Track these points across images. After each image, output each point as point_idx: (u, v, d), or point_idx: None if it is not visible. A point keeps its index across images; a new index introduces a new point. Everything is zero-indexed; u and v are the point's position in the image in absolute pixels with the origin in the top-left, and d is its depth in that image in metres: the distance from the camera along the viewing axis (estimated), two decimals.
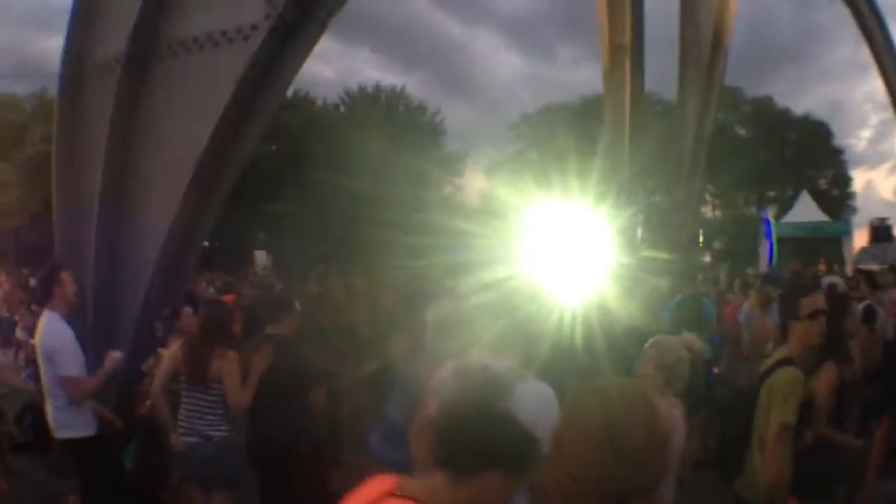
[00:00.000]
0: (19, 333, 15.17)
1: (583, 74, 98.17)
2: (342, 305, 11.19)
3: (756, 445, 5.83)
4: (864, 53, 25.84)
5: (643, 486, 2.53)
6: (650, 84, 26.37)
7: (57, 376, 7.82)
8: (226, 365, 7.48)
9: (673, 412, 5.27)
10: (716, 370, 12.52)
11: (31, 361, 12.34)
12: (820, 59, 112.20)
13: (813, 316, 5.82)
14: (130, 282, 9.90)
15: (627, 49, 19.73)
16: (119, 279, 9.85)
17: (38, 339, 8.11)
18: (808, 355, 6.06)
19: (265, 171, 47.67)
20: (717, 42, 22.78)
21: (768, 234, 34.05)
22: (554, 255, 9.61)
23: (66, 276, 8.27)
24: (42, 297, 8.35)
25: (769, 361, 6.15)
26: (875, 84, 27.37)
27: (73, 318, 8.35)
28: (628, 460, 2.48)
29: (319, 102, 62.72)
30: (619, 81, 20.08)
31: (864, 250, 39.58)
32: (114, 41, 10.07)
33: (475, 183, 71.14)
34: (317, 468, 7.83)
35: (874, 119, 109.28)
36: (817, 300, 5.90)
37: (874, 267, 26.15)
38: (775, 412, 5.53)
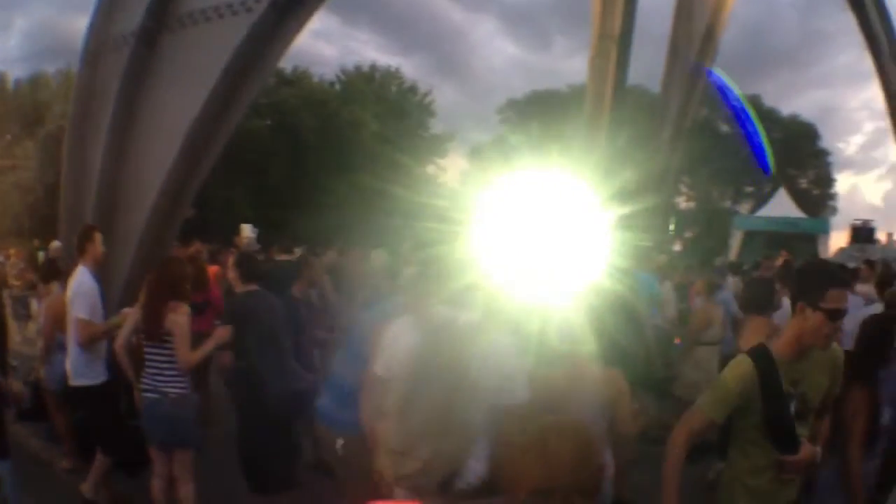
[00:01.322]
0: (34, 306, 15.33)
1: (577, 64, 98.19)
2: (314, 277, 11.53)
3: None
4: (867, 61, 26.25)
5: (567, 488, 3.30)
6: (639, 76, 26.62)
7: (74, 320, 8.25)
8: (176, 319, 7.59)
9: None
10: (678, 341, 12.34)
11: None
12: (820, 63, 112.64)
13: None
14: (124, 238, 10.35)
15: (615, 37, 19.99)
16: (114, 236, 10.26)
17: (68, 291, 8.53)
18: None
19: (259, 145, 47.93)
20: (709, 37, 22.92)
21: None
22: (527, 235, 10.00)
23: (97, 236, 8.71)
24: (77, 253, 8.69)
25: None
26: (874, 92, 27.75)
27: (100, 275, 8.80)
28: (554, 465, 3.28)
29: (316, 80, 62.79)
30: (602, 69, 20.29)
31: (842, 250, 39.93)
32: (133, 16, 10.52)
33: (457, 164, 71.42)
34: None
35: (869, 126, 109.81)
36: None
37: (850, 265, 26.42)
38: None
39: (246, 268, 8.23)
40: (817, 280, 4.71)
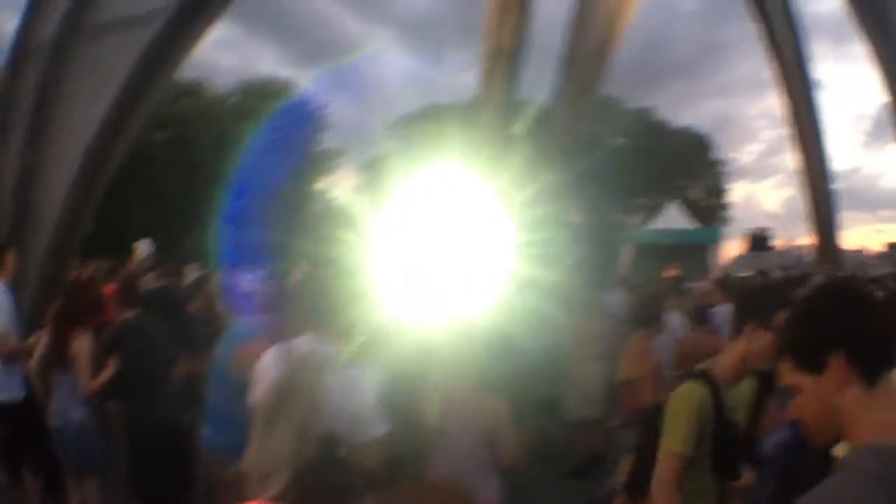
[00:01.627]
0: None
1: (471, 78, 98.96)
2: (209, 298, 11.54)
3: None
4: (766, 70, 26.83)
5: None
6: (532, 90, 26.72)
7: None
8: (79, 346, 7.66)
9: None
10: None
11: None
12: (719, 73, 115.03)
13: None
14: (31, 251, 10.39)
15: (507, 53, 20.08)
16: (23, 249, 10.28)
17: None
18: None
19: (157, 158, 47.57)
20: (602, 51, 23.07)
21: None
22: (416, 255, 10.14)
23: (10, 252, 9.04)
24: None
25: None
26: (774, 100, 28.40)
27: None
28: None
29: (215, 91, 62.18)
30: (494, 85, 20.42)
31: (738, 258, 40.56)
32: (52, 23, 10.66)
33: (348, 181, 71.29)
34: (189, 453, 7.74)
35: (768, 134, 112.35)
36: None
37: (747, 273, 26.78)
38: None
39: (124, 294, 8.36)
40: (767, 300, 4.72)
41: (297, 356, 4.91)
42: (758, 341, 4.49)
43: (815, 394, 2.29)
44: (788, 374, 2.39)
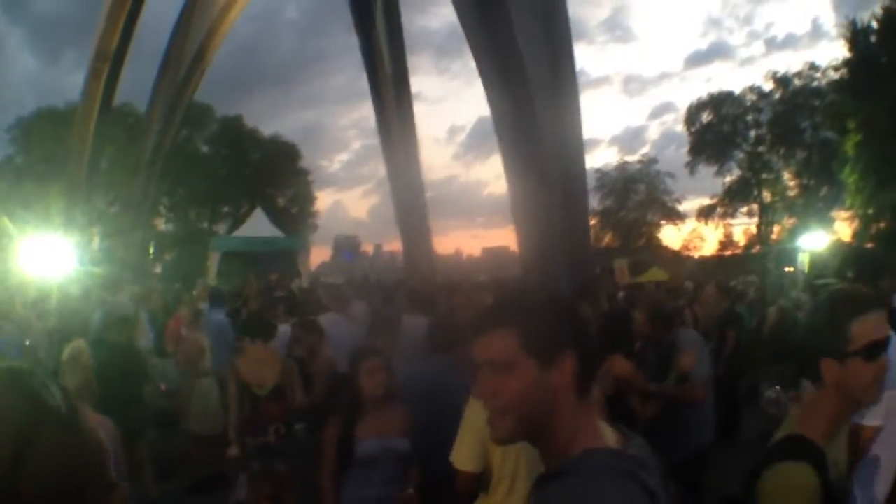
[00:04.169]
0: None
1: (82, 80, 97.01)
2: None
3: None
4: (363, 81, 27.39)
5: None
6: (133, 96, 26.24)
7: None
8: None
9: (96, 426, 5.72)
10: (164, 386, 11.23)
11: None
12: (313, 82, 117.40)
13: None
14: None
15: (110, 56, 19.66)
16: None
17: None
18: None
19: None
20: (199, 58, 22.94)
21: None
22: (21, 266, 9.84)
23: None
24: None
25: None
26: (366, 111, 29.18)
27: None
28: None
29: None
30: (93, 89, 19.93)
31: (324, 264, 41.18)
32: None
33: None
34: None
35: (357, 144, 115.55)
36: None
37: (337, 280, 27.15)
38: None
39: None
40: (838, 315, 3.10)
41: None
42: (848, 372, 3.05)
43: (533, 381, 2.25)
44: (510, 350, 2.27)
